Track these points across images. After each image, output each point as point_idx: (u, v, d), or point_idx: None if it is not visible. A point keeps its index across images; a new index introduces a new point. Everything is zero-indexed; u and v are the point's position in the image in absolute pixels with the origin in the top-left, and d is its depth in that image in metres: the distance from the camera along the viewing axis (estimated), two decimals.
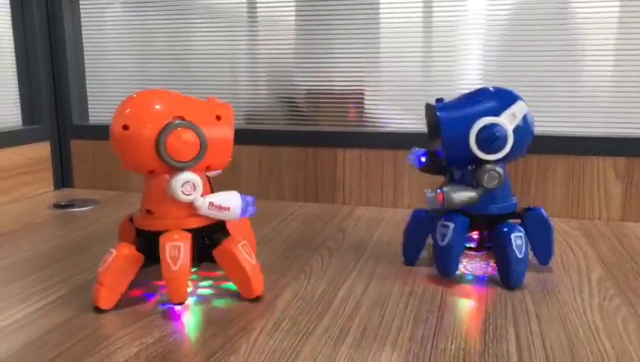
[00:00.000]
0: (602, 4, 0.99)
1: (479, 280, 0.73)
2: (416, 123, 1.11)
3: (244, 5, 1.18)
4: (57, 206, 1.13)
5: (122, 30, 1.27)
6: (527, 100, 0.72)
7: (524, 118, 0.71)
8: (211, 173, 0.70)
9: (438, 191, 0.72)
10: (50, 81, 1.26)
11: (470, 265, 0.78)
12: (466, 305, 0.66)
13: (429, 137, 0.77)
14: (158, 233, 0.64)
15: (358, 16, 1.11)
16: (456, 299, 0.67)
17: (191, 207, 0.65)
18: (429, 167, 0.78)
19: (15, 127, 1.23)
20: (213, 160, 0.67)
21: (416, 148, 0.79)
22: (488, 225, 0.73)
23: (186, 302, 0.66)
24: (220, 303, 0.66)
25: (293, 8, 1.15)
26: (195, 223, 0.66)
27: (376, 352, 0.55)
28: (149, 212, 0.66)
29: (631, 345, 0.56)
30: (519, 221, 0.73)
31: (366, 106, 1.14)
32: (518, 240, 0.69)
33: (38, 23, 1.23)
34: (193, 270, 0.71)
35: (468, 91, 0.74)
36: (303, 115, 1.18)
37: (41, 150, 1.25)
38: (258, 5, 1.18)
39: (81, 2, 1.27)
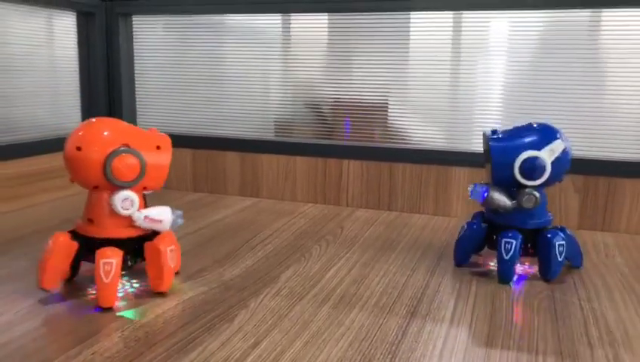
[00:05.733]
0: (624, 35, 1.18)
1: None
2: (434, 138, 1.31)
3: (279, 26, 1.40)
4: None
5: (167, 51, 1.50)
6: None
7: (564, 151, 0.85)
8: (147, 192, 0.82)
9: (484, 187, 0.85)
10: (106, 93, 1.51)
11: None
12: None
13: (485, 161, 0.92)
14: (96, 239, 0.77)
15: (388, 36, 1.32)
16: (417, 279, 0.88)
17: (126, 219, 0.77)
18: None
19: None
20: (149, 182, 0.79)
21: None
22: (532, 236, 0.88)
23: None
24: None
25: (325, 30, 1.37)
26: (129, 233, 0.78)
27: (347, 312, 0.76)
28: (90, 220, 0.78)
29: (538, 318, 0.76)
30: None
31: (389, 121, 1.35)
32: (560, 248, 0.86)
33: (99, 47, 1.48)
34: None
35: (519, 125, 0.90)
36: (329, 128, 1.39)
37: None
38: (292, 26, 1.39)
39: (134, 33, 1.52)
